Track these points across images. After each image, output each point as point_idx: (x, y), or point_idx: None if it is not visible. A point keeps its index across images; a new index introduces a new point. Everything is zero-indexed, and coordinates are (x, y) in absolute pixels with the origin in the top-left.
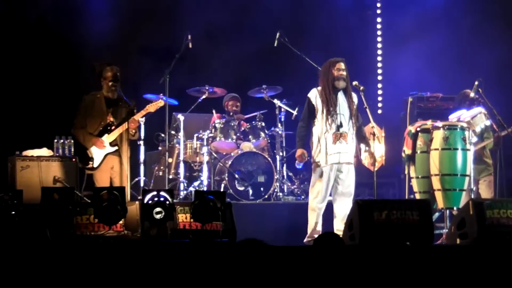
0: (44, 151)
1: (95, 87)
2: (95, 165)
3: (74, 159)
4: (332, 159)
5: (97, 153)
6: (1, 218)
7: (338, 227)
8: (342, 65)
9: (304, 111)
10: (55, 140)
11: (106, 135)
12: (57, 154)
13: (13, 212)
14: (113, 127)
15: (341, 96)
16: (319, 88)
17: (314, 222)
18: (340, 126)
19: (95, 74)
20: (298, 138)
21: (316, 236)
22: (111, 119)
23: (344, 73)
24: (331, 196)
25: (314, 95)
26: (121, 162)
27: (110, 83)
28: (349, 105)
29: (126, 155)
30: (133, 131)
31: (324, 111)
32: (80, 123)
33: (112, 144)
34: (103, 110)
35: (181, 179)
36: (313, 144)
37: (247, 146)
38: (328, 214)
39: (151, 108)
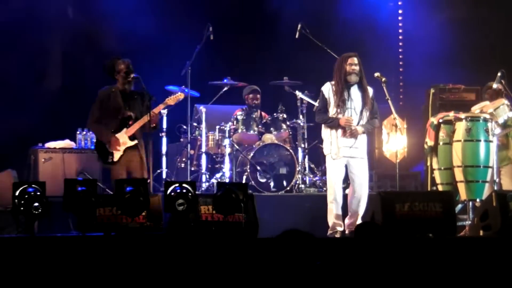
0: (67, 143)
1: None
2: (115, 159)
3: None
4: (343, 152)
5: (116, 147)
6: (25, 210)
7: (351, 220)
8: (355, 60)
9: (319, 104)
10: (78, 132)
11: (124, 129)
12: (80, 146)
13: (37, 204)
14: (131, 122)
15: (354, 90)
16: (333, 82)
17: (334, 215)
18: None
19: (106, 72)
20: (325, 119)
21: (338, 228)
22: (129, 113)
23: (357, 68)
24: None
25: (328, 88)
26: (140, 156)
27: (125, 75)
28: (363, 99)
29: (150, 149)
30: (153, 124)
31: (335, 105)
32: (96, 118)
33: (131, 138)
34: (120, 104)
35: (203, 171)
36: (325, 137)
37: (269, 138)
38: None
39: (170, 101)
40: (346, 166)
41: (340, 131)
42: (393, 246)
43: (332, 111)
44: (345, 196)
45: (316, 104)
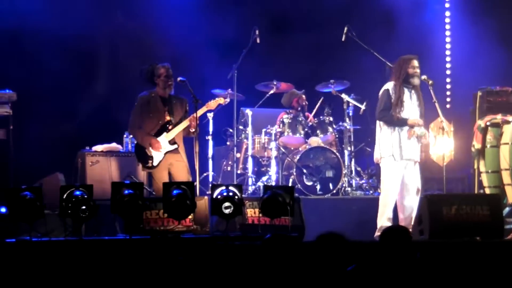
0: (113, 146)
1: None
2: (154, 164)
3: None
4: (406, 155)
5: (156, 151)
6: (72, 213)
7: (404, 223)
8: (416, 63)
9: (384, 103)
10: (125, 135)
11: (164, 133)
12: (127, 149)
13: (84, 207)
14: (170, 126)
15: (413, 92)
16: (393, 82)
17: (385, 218)
18: None
19: (144, 76)
20: (392, 118)
21: None
22: (169, 117)
23: (418, 70)
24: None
25: (391, 88)
26: (182, 160)
27: (165, 79)
28: (420, 102)
29: (196, 152)
30: (192, 129)
31: (396, 107)
32: (136, 123)
33: (171, 142)
34: (160, 108)
35: (250, 174)
36: (384, 138)
37: (315, 141)
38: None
39: (211, 105)
40: (404, 169)
41: (405, 132)
42: (440, 249)
43: (395, 111)
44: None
45: (363, 107)
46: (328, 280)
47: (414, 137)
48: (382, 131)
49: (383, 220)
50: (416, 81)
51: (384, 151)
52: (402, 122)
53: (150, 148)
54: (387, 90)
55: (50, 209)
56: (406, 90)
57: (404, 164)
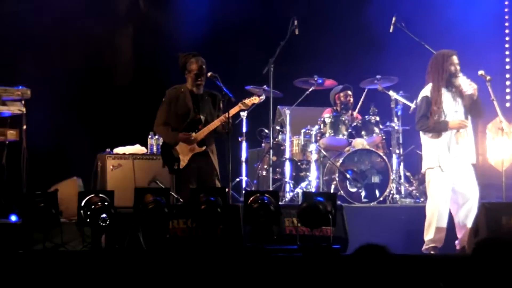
0: (137, 149)
1: (181, 80)
2: (181, 167)
3: None
4: (454, 161)
5: (183, 153)
6: (91, 222)
7: (460, 235)
8: (456, 59)
9: (422, 110)
10: (149, 136)
11: (193, 133)
12: (151, 152)
13: (104, 215)
14: (200, 125)
15: (456, 94)
16: (430, 84)
17: (434, 228)
18: None
19: (179, 66)
20: (431, 126)
21: (436, 244)
22: (198, 116)
23: (459, 67)
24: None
25: (430, 92)
26: (212, 163)
27: (195, 77)
28: (463, 100)
29: (229, 155)
30: (226, 129)
31: (438, 111)
32: (163, 120)
33: (200, 143)
34: (189, 106)
35: (287, 179)
36: (430, 149)
37: (360, 143)
38: (449, 221)
39: (244, 104)
40: (454, 175)
41: (451, 138)
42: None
43: (434, 117)
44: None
45: (412, 105)
46: None
47: (464, 138)
48: (426, 140)
49: (430, 232)
50: (458, 81)
51: (431, 160)
52: (442, 127)
53: (178, 147)
54: (426, 96)
55: (67, 217)
56: (446, 92)
57: (455, 172)
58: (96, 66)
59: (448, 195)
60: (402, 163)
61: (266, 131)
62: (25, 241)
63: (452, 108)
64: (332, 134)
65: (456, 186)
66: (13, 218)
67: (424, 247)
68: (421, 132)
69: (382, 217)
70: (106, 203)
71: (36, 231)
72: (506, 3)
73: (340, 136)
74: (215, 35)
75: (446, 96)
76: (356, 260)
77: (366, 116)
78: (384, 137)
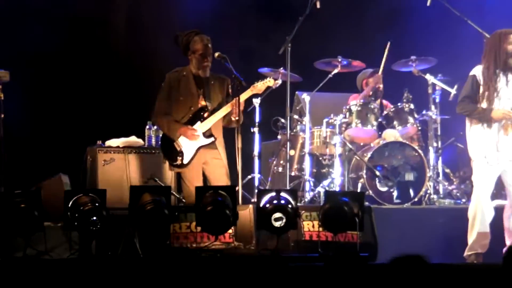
0: (133, 141)
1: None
2: (185, 162)
3: None
4: (504, 157)
5: (187, 145)
6: (80, 225)
7: (510, 240)
8: None
9: (466, 91)
10: (147, 127)
11: (198, 123)
12: (149, 144)
13: (95, 218)
14: (206, 114)
15: (510, 78)
16: (483, 65)
17: (478, 233)
18: None
19: (179, 47)
20: (471, 110)
21: (479, 250)
22: (204, 102)
23: None
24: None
25: (481, 72)
26: (220, 157)
27: (201, 58)
28: None
29: (239, 148)
30: (235, 117)
31: (487, 94)
32: (163, 108)
33: (206, 134)
34: (193, 91)
35: (307, 176)
36: (474, 136)
37: (391, 134)
38: (499, 223)
39: (256, 88)
40: (503, 172)
41: (499, 128)
42: None
43: (482, 102)
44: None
45: (453, 91)
46: None
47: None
48: (471, 126)
49: (473, 236)
50: None
51: (476, 151)
52: (484, 116)
53: (180, 140)
54: (474, 76)
55: (52, 220)
56: (501, 75)
57: (502, 168)
58: (85, 46)
59: (490, 191)
60: (440, 158)
61: (283, 120)
62: (3, 247)
63: (506, 95)
64: (359, 124)
65: (507, 186)
66: None
67: (466, 253)
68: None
69: (417, 221)
70: (96, 204)
71: (16, 236)
72: None
73: (369, 126)
74: (224, 10)
75: (501, 81)
76: (391, 272)
77: (399, 104)
78: (419, 128)
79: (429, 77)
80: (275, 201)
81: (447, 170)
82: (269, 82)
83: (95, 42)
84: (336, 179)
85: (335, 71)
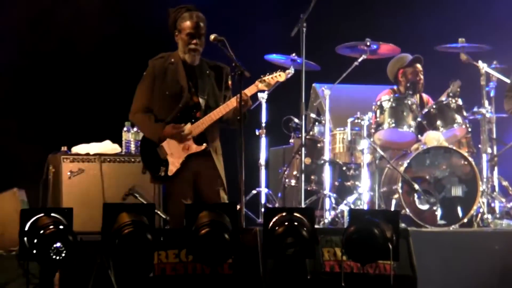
0: (107, 147)
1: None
2: (169, 173)
3: None
4: None
5: (173, 152)
6: (40, 254)
7: None
8: None
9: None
10: (125, 129)
11: (188, 124)
12: (127, 151)
13: (59, 244)
14: (199, 113)
15: None
16: None
17: None
18: None
19: (168, 26)
20: None
21: None
22: (196, 98)
23: None
24: None
25: None
26: (215, 167)
27: (188, 38)
28: None
29: (241, 155)
30: (236, 116)
31: None
32: (144, 103)
33: (198, 139)
34: (181, 83)
35: (327, 191)
36: None
37: (434, 138)
38: None
39: (264, 84)
40: None
41: None
42: None
43: None
44: None
45: (510, 81)
46: None
47: None
48: None
49: None
50: None
51: None
52: None
53: (165, 145)
54: None
55: (4, 247)
56: None
57: None
58: (45, 31)
59: None
60: (496, 168)
61: (296, 120)
62: None
63: None
64: (393, 125)
65: None
66: None
67: None
68: None
69: (467, 247)
70: (61, 227)
71: None
72: None
73: (405, 128)
74: None
75: None
76: None
77: (443, 99)
78: (470, 129)
79: (481, 65)
80: (286, 223)
81: (505, 183)
82: (280, 77)
83: (61, 27)
84: (364, 194)
85: (362, 57)
